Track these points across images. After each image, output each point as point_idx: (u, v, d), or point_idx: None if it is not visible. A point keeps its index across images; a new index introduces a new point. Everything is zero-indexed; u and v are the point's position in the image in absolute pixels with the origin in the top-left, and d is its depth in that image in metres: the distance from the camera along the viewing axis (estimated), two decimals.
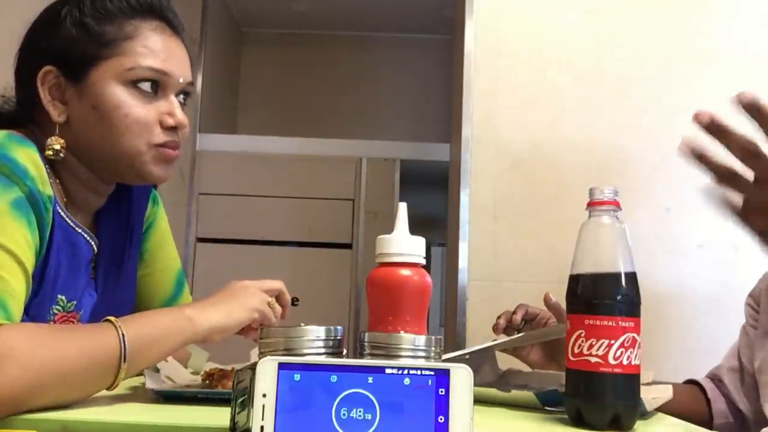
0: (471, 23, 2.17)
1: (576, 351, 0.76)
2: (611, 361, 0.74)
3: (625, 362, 0.74)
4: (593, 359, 0.74)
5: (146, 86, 0.97)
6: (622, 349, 0.74)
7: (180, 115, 1.00)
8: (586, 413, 0.75)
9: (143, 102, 0.97)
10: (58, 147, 0.96)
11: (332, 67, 4.33)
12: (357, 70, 4.36)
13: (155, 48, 0.98)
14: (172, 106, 0.99)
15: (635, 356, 0.75)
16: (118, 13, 0.98)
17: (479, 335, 2.05)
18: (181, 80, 1.00)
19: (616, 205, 0.78)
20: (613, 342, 0.74)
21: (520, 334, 1.17)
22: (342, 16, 4.21)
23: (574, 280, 0.78)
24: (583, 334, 0.75)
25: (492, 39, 2.16)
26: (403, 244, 0.76)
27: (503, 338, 1.16)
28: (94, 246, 1.03)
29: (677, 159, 0.91)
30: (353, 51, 4.39)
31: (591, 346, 0.75)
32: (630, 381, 0.75)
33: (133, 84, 0.96)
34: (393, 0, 3.97)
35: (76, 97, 0.97)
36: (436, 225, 3.69)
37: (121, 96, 0.96)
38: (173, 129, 0.99)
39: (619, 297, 0.75)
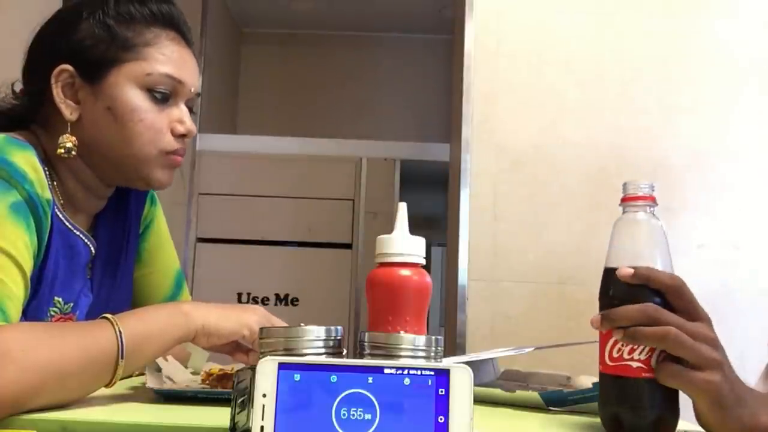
0: (471, 24, 2.17)
1: (614, 356, 0.70)
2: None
3: None
4: (634, 364, 0.69)
5: (160, 93, 0.99)
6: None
7: (189, 124, 1.02)
8: (626, 421, 0.70)
9: (156, 108, 0.99)
10: (70, 145, 0.96)
11: (332, 68, 4.32)
12: (357, 71, 4.35)
13: (172, 57, 1.00)
14: (182, 114, 1.01)
15: None
16: (140, 20, 1.00)
17: (479, 335, 2.05)
18: (192, 90, 1.03)
19: (652, 201, 0.74)
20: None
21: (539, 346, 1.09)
22: (342, 16, 4.21)
23: (609, 278, 0.72)
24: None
25: (492, 40, 2.16)
26: (403, 244, 0.76)
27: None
28: (92, 248, 1.03)
29: (677, 159, 0.90)
30: (353, 51, 4.38)
31: (632, 350, 0.69)
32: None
33: (149, 90, 0.98)
34: (393, 0, 3.97)
35: (91, 97, 0.97)
36: (436, 225, 3.69)
37: (138, 100, 0.97)
38: (182, 137, 1.01)
39: (658, 297, 0.69)
